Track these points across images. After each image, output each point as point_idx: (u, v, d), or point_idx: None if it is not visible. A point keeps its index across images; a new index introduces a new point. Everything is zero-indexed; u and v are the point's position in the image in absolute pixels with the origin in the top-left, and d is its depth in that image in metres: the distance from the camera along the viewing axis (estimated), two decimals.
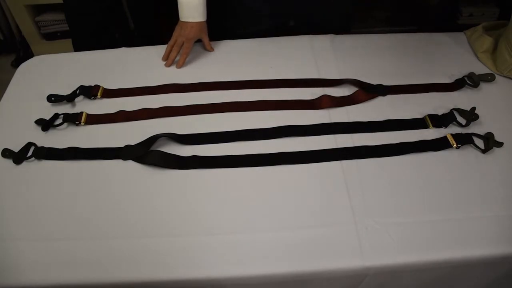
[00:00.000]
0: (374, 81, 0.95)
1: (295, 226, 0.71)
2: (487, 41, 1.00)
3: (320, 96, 0.92)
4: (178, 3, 0.95)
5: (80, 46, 1.39)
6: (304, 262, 0.67)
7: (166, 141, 0.84)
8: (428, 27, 1.19)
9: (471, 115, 0.87)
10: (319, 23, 1.06)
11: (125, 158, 0.81)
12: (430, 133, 0.86)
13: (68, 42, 1.42)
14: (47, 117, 0.88)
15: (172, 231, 0.71)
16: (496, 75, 0.97)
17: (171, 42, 1.01)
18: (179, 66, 1.00)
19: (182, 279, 0.66)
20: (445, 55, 1.04)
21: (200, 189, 0.77)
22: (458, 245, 0.69)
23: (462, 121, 0.87)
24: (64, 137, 0.86)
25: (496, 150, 0.82)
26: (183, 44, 0.99)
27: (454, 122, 0.87)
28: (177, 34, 1.00)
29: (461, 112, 0.88)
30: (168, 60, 1.01)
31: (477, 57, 1.02)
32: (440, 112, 0.89)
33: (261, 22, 1.09)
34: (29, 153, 0.82)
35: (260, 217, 0.72)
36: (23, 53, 1.97)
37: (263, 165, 0.80)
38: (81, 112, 0.89)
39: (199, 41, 1.03)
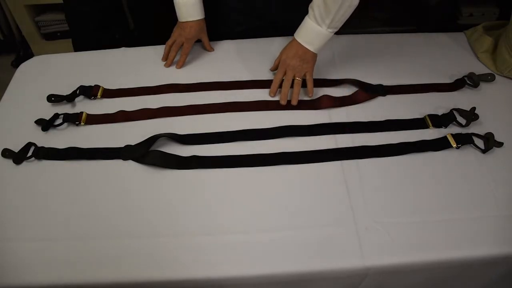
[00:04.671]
0: (374, 81, 0.95)
1: (295, 226, 0.71)
2: (487, 41, 1.00)
3: (320, 96, 0.92)
4: (175, 4, 0.95)
5: (80, 46, 1.39)
6: (304, 262, 0.67)
7: (166, 141, 0.84)
8: (428, 27, 1.18)
9: (471, 115, 0.87)
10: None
11: (125, 158, 0.81)
12: (430, 133, 0.86)
13: (68, 42, 1.42)
14: (47, 117, 0.88)
15: (172, 231, 0.71)
16: (496, 75, 0.97)
17: (169, 42, 1.01)
18: (179, 66, 1.00)
19: (181, 279, 0.66)
20: (445, 55, 1.04)
21: (200, 189, 0.77)
22: (458, 245, 0.69)
23: (462, 121, 0.87)
24: (64, 137, 0.86)
25: (496, 150, 0.82)
26: (182, 44, 0.99)
27: (454, 122, 0.87)
28: (177, 35, 0.99)
29: (461, 112, 0.88)
30: (168, 60, 1.01)
31: (477, 57, 1.02)
32: (440, 112, 0.89)
33: (244, 22, 1.09)
34: (29, 153, 0.82)
35: (260, 217, 0.72)
36: (23, 53, 1.97)
37: (263, 165, 0.80)
38: (81, 112, 0.89)
39: (198, 41, 1.03)
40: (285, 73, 0.90)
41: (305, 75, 0.90)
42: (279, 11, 1.04)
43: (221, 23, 1.10)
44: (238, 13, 1.07)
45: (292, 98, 0.89)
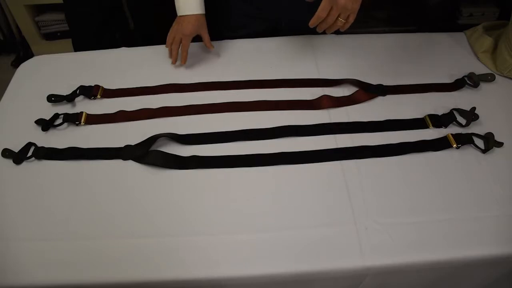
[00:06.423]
0: (374, 81, 0.95)
1: (295, 226, 0.71)
2: (487, 41, 1.00)
3: (320, 96, 0.92)
4: None
5: (80, 46, 1.39)
6: (304, 262, 0.67)
7: (166, 141, 0.84)
8: (428, 27, 1.19)
9: (471, 115, 0.87)
10: (306, 27, 1.04)
11: (125, 158, 0.81)
12: (430, 133, 0.86)
13: (68, 42, 1.42)
14: (47, 117, 0.88)
15: (172, 231, 0.71)
16: (496, 75, 0.97)
17: (169, 40, 0.98)
18: (183, 62, 0.99)
19: (182, 279, 0.66)
20: (445, 55, 1.04)
21: (200, 189, 0.77)
22: (458, 245, 0.69)
23: (462, 121, 0.87)
24: (64, 137, 0.86)
25: (496, 150, 0.82)
26: (181, 41, 0.98)
27: (454, 122, 0.87)
28: (174, 31, 0.97)
29: (461, 112, 0.88)
30: (172, 57, 0.99)
31: (477, 57, 1.02)
32: (440, 112, 0.89)
33: (249, 25, 1.08)
34: (29, 153, 0.82)
35: (260, 217, 0.72)
36: (23, 53, 1.97)
37: (263, 165, 0.80)
38: (81, 112, 0.89)
39: (199, 40, 1.02)
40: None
41: (348, 16, 0.78)
42: (285, 13, 1.03)
43: (222, 25, 1.10)
44: (242, 15, 1.06)
45: (340, 27, 0.78)
